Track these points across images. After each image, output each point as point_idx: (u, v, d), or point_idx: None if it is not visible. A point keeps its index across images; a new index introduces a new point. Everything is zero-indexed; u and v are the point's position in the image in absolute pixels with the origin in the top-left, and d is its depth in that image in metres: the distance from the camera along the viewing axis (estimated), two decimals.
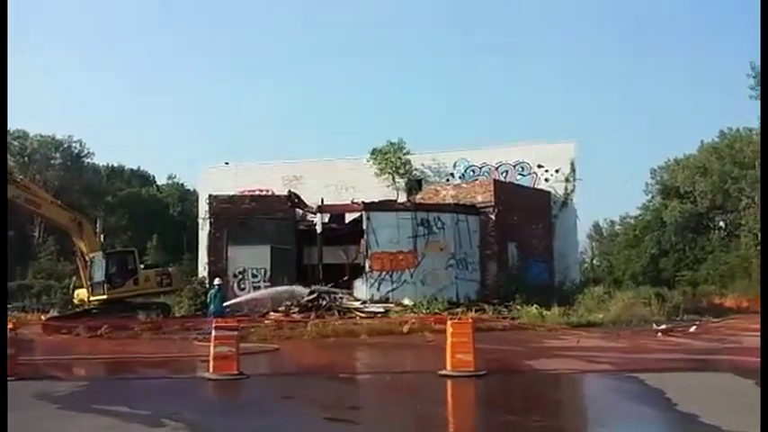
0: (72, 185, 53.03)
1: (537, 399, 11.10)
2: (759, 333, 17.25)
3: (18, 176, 26.51)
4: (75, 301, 26.37)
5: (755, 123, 38.63)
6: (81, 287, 26.06)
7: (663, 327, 21.08)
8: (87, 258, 24.87)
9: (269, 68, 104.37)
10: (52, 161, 54.36)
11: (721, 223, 48.90)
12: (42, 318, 26.01)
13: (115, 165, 64.22)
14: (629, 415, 9.41)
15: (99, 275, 24.66)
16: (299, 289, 26.26)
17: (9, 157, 44.83)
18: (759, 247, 35.54)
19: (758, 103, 35.42)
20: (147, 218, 53.83)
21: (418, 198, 32.42)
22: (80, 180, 54.57)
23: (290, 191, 31.05)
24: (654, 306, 26.04)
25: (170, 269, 28.07)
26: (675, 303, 27.48)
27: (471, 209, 29.50)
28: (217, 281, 23.33)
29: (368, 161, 36.52)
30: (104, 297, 24.49)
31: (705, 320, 24.41)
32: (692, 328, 21.13)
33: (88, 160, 57.88)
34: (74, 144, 56.14)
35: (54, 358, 17.02)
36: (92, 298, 24.74)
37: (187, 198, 58.33)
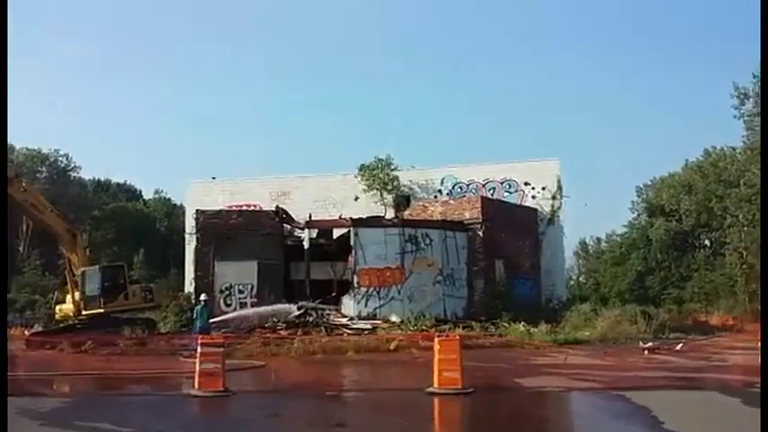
0: (58, 199, 52.25)
1: (524, 416, 11.09)
2: (748, 349, 17.40)
3: (24, 182, 26.41)
4: (58, 317, 26.06)
5: (739, 142, 39.13)
6: (62, 302, 25.79)
7: (649, 344, 21.15)
8: (77, 272, 24.71)
9: (255, 83, 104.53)
10: (38, 174, 53.91)
11: (707, 241, 49.21)
12: (26, 333, 25.71)
13: (101, 179, 63.90)
14: None
15: (94, 289, 24.53)
16: (286, 307, 26.15)
17: None
18: (743, 266, 35.82)
19: (741, 122, 35.89)
20: (133, 232, 53.45)
21: (406, 214, 32.50)
22: (66, 194, 54.10)
23: (277, 206, 31.06)
24: (640, 324, 26.17)
25: (151, 285, 28.10)
26: (661, 321, 27.58)
27: (459, 225, 29.57)
28: (203, 297, 23.18)
29: (356, 177, 36.59)
30: (101, 311, 24.38)
31: (691, 338, 24.56)
32: (679, 346, 21.20)
33: (74, 174, 57.51)
34: (60, 158, 55.85)
35: (38, 374, 16.81)
36: (86, 312, 24.55)
37: (174, 213, 58.08)
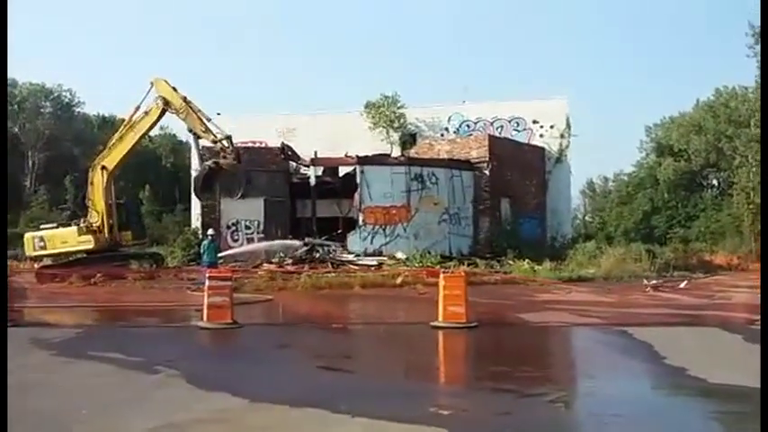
0: (63, 135, 52.56)
1: (526, 350, 11.25)
2: (751, 287, 17.47)
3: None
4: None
5: (751, 82, 38.39)
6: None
7: (653, 282, 21.23)
8: (112, 202, 24.71)
9: (263, 19, 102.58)
10: (42, 110, 53.64)
11: (714, 181, 49.03)
12: (35, 266, 25.91)
13: (106, 114, 63.36)
14: (617, 367, 9.53)
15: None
16: (292, 243, 26.29)
17: None
18: (750, 206, 35.64)
19: (755, 60, 35.10)
20: (139, 168, 53.18)
21: (412, 152, 32.28)
22: (71, 129, 54.00)
23: (283, 143, 30.83)
24: (644, 262, 26.19)
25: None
26: (666, 260, 27.60)
27: (465, 164, 29.41)
28: (210, 231, 23.24)
29: (362, 114, 36.22)
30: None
31: (695, 277, 24.63)
32: (682, 284, 21.29)
33: (78, 110, 57.14)
34: (64, 93, 55.41)
35: (48, 306, 17.11)
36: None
37: (179, 149, 57.82)
